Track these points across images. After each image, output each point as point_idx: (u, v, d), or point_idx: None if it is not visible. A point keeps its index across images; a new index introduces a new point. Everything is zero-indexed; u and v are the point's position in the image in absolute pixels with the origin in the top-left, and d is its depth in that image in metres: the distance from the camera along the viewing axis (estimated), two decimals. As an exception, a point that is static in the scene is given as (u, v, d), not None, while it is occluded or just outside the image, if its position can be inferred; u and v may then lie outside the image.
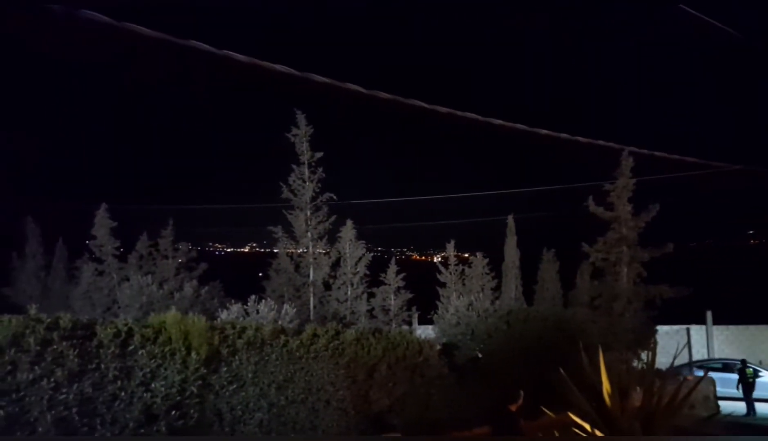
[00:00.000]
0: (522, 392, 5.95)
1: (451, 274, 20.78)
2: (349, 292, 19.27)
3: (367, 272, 19.55)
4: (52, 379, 4.86)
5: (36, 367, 4.84)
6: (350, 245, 19.44)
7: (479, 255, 21.48)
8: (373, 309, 19.83)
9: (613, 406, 4.41)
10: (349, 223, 19.68)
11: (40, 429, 4.70)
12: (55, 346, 5.01)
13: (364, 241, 19.81)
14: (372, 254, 20.72)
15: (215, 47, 3.58)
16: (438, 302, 20.09)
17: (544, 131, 9.30)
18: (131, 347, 5.57)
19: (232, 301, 12.20)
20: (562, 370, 4.80)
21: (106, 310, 14.56)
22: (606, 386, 4.46)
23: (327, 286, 19.53)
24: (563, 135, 9.69)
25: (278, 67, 3.96)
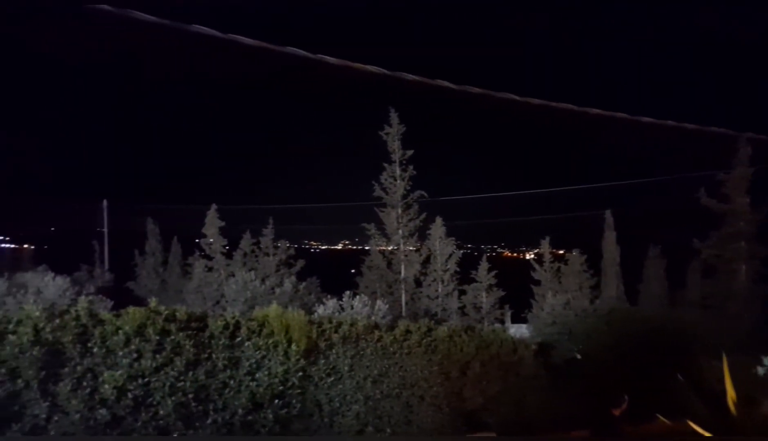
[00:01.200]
0: (626, 396, 5.66)
1: (545, 271, 20.09)
2: (439, 289, 19.27)
3: (458, 269, 19.44)
4: (172, 367, 5.33)
5: (157, 356, 5.34)
6: (440, 242, 19.42)
7: (576, 252, 20.57)
8: (464, 306, 19.68)
9: (740, 415, 4.08)
10: (439, 220, 19.66)
11: (161, 412, 5.18)
12: (173, 337, 5.49)
13: (453, 238, 19.72)
14: (462, 251, 20.59)
15: (310, 52, 3.75)
16: (532, 300, 19.52)
17: (647, 119, 8.73)
18: (238, 339, 5.97)
19: (328, 296, 12.66)
20: (680, 376, 4.51)
21: (215, 303, 15.67)
22: (731, 393, 4.13)
23: (418, 283, 19.67)
24: (669, 122, 9.04)
25: (370, 67, 4.07)
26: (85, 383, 4.92)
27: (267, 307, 7.27)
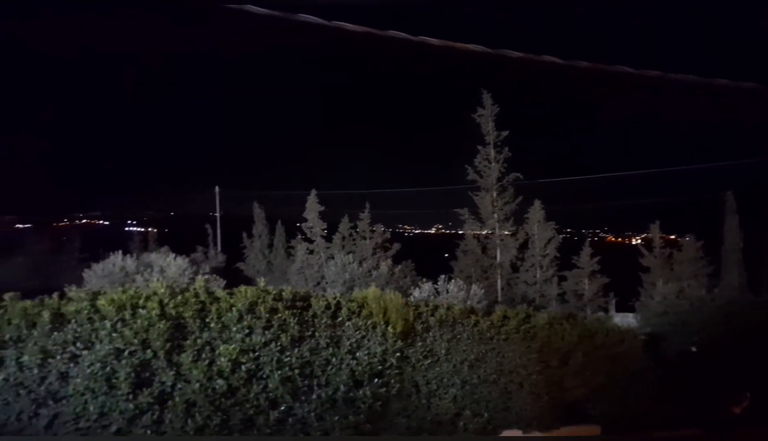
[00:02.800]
0: (748, 393, 5.20)
1: (655, 257, 18.79)
2: (538, 275, 18.71)
3: (557, 254, 18.72)
4: (278, 343, 5.66)
5: (266, 332, 5.69)
6: (538, 226, 18.79)
7: (690, 237, 19.01)
8: (564, 293, 18.95)
9: None
10: (537, 203, 19.01)
11: (270, 385, 5.53)
12: (280, 315, 5.82)
13: (553, 222, 18.98)
14: (562, 236, 19.76)
15: (412, 35, 3.75)
16: (640, 288, 18.37)
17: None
18: (339, 319, 6.21)
19: (423, 280, 12.75)
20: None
21: (316, 284, 16.39)
22: None
23: (514, 268, 19.23)
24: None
25: (471, 46, 3.98)
26: (204, 355, 5.36)
27: (365, 289, 7.49)
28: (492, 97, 18.31)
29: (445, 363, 6.67)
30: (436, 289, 11.68)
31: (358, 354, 6.09)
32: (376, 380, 6.03)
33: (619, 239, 73.71)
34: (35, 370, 4.87)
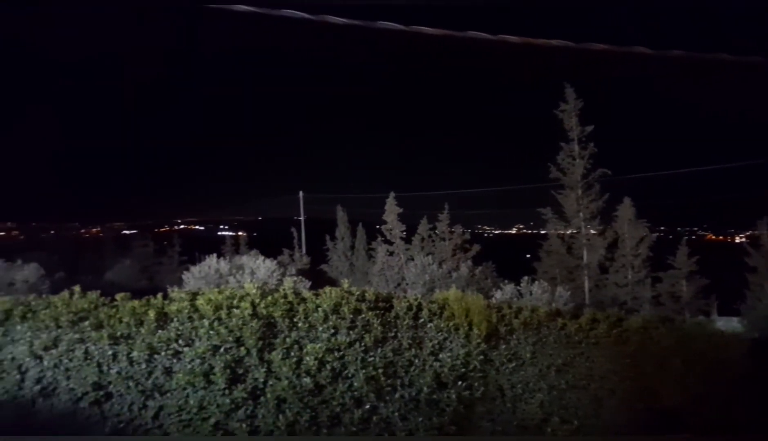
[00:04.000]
0: None
1: (763, 256, 17.22)
2: (629, 276, 17.74)
3: (650, 254, 17.64)
4: (362, 343, 5.79)
5: (351, 332, 5.84)
6: (629, 225, 17.82)
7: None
8: (659, 295, 17.83)
9: None
10: (627, 200, 18.04)
11: (355, 384, 5.67)
12: (363, 315, 5.95)
13: (645, 220, 17.94)
14: (655, 235, 18.59)
15: (491, 34, 3.71)
16: (746, 290, 16.90)
17: None
18: (421, 320, 6.24)
19: (505, 281, 12.52)
20: None
21: (397, 285, 16.55)
22: None
23: (603, 269, 18.34)
24: None
25: (554, 42, 3.87)
26: (292, 353, 5.59)
27: (445, 290, 7.47)
28: (575, 92, 17.62)
29: (530, 367, 6.50)
30: (518, 290, 11.43)
31: (440, 356, 6.08)
32: (459, 383, 6.00)
33: (721, 237, 68.21)
34: (143, 365, 5.31)
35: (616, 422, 6.73)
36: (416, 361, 5.98)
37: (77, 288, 5.79)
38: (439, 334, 6.20)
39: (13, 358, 5.24)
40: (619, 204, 18.22)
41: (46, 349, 5.25)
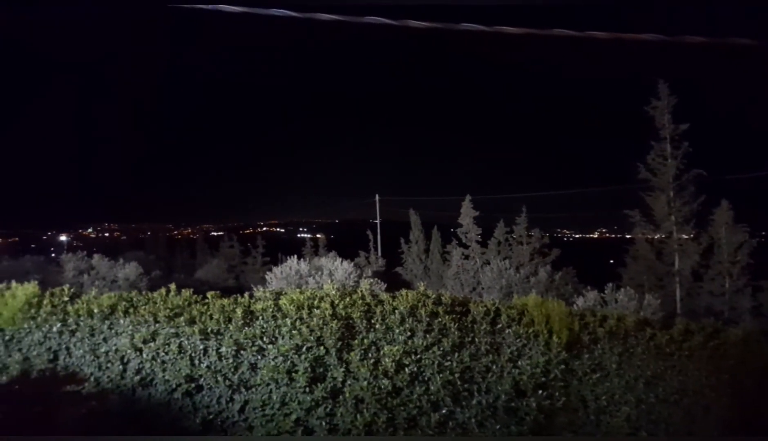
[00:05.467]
0: None
1: None
2: (726, 285, 16.44)
3: (751, 261, 16.27)
4: (439, 347, 5.77)
5: (427, 335, 5.84)
6: (726, 229, 16.53)
7: None
8: (760, 306, 16.38)
9: None
10: (725, 203, 16.75)
11: (432, 387, 5.66)
12: (440, 319, 5.94)
13: (744, 225, 16.58)
14: (755, 240, 17.11)
15: (578, 31, 3.59)
16: None
17: None
18: (499, 325, 6.13)
19: (587, 288, 12.01)
20: None
21: (472, 290, 16.33)
22: None
23: (696, 277, 17.11)
24: None
25: (644, 36, 3.68)
26: (370, 354, 5.68)
27: (523, 295, 7.28)
28: (668, 88, 16.59)
29: (616, 378, 6.20)
30: (602, 297, 10.94)
31: (519, 363, 5.94)
32: (539, 392, 5.83)
33: (836, 243, 61.58)
34: (231, 360, 5.60)
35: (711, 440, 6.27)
36: (494, 367, 5.88)
37: (173, 286, 6.21)
38: (518, 340, 6.06)
39: (116, 350, 5.70)
40: (716, 207, 16.95)
41: (145, 342, 5.67)
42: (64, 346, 5.79)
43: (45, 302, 5.95)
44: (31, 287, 6.06)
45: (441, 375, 5.66)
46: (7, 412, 2.93)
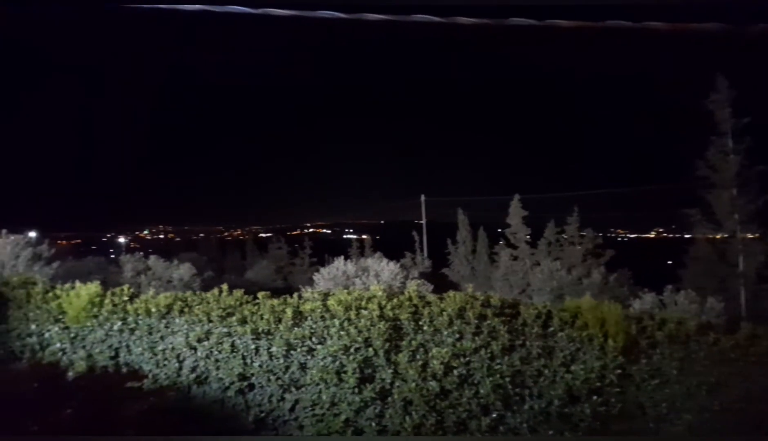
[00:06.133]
0: None
1: None
2: (798, 287, 15.44)
3: (826, 262, 15.22)
4: (488, 350, 5.67)
5: (476, 338, 5.75)
6: (796, 228, 15.53)
7: None
8: (836, 310, 15.30)
9: None
10: (794, 200, 15.74)
11: (481, 391, 5.56)
12: (489, 321, 5.83)
13: (818, 223, 15.54)
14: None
15: (635, 21, 3.44)
16: None
17: None
18: (551, 329, 5.96)
19: (644, 290, 11.55)
20: None
21: (521, 291, 15.99)
22: None
23: (763, 279, 16.16)
24: None
25: (707, 25, 3.49)
26: (418, 356, 5.65)
27: (576, 298, 7.05)
28: (729, 81, 15.77)
29: (676, 385, 5.91)
30: (660, 300, 10.50)
31: (572, 367, 5.76)
32: (594, 397, 5.63)
33: None
34: (281, 360, 5.69)
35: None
36: (546, 371, 5.72)
37: (225, 286, 6.37)
38: (571, 344, 5.88)
39: (172, 348, 5.90)
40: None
41: (199, 340, 5.84)
42: (124, 343, 6.05)
43: (106, 301, 6.23)
44: (93, 287, 6.35)
45: (491, 378, 5.56)
46: (77, 408, 3.07)
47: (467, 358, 5.66)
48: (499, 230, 19.78)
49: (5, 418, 2.93)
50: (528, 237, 18.55)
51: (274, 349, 5.71)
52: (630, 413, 5.83)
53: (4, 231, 12.60)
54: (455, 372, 5.55)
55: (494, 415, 5.50)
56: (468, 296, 6.08)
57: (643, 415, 5.86)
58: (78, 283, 6.50)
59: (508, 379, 5.57)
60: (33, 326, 6.29)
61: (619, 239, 65.74)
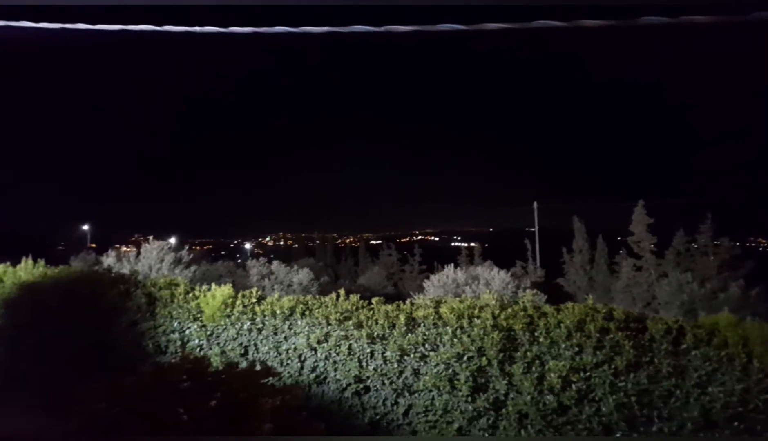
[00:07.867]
0: None
1: None
2: None
3: None
4: (612, 365, 5.36)
5: (597, 352, 5.46)
6: None
7: None
8: None
9: None
10: None
11: (603, 409, 5.27)
12: (611, 336, 5.51)
13: None
14: None
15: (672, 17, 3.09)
16: None
17: None
18: (683, 346, 5.50)
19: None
20: None
21: (646, 305, 14.86)
22: None
23: None
24: None
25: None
26: (533, 368, 5.49)
27: (709, 313, 6.43)
28: None
29: (838, 416, 5.17)
30: (817, 319, 9.22)
31: (709, 389, 5.26)
32: (735, 423, 5.10)
33: None
34: (395, 365, 5.82)
35: None
36: (678, 392, 5.28)
37: (342, 291, 6.66)
38: (707, 364, 5.37)
39: (295, 348, 6.28)
40: None
41: (319, 342, 6.15)
42: (252, 342, 6.54)
43: (237, 303, 6.78)
44: (226, 289, 6.94)
45: (614, 396, 5.25)
46: (219, 399, 3.41)
47: (587, 373, 5.40)
48: (619, 238, 18.54)
49: (160, 404, 3.33)
50: (653, 246, 17.18)
51: (388, 353, 5.86)
52: (780, 445, 5.19)
53: (150, 237, 14.19)
54: (573, 387, 5.32)
55: (618, 435, 5.19)
56: (588, 308, 5.80)
57: (796, 449, 5.20)
58: (213, 285, 7.14)
59: (633, 398, 5.23)
60: (176, 323, 7.01)
61: (760, 249, 58.61)
